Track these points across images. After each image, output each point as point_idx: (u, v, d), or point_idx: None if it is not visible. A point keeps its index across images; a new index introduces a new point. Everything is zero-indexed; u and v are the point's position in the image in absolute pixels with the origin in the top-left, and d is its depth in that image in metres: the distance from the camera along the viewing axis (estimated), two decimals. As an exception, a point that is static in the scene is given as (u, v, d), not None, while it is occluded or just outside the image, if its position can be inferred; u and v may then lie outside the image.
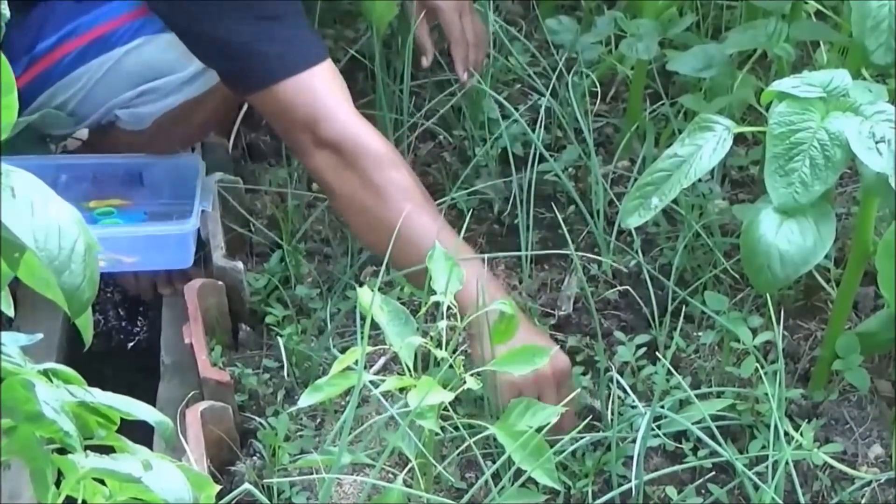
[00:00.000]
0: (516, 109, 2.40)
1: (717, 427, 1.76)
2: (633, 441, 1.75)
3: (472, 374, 1.64)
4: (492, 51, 2.58)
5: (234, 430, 1.93)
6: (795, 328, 2.13)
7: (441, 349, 1.64)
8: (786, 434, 1.73)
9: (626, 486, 1.73)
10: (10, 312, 1.21)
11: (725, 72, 2.22)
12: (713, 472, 1.85)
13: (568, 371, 1.89)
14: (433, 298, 1.67)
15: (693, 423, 1.78)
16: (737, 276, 2.16)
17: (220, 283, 2.14)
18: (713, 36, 2.62)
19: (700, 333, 2.10)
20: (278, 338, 2.09)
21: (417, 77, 2.48)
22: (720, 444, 1.74)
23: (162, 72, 2.18)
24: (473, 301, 1.73)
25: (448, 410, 1.69)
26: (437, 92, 2.54)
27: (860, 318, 2.10)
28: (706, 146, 1.71)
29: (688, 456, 1.86)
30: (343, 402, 1.99)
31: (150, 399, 2.03)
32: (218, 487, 1.27)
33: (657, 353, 1.99)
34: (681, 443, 1.89)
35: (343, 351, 1.64)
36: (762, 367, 1.86)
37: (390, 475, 1.82)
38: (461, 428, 1.72)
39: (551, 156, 2.39)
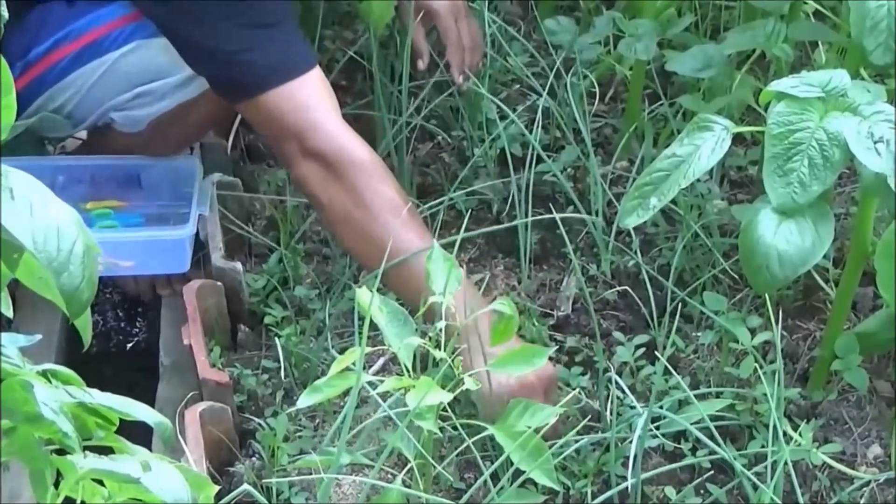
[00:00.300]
0: (515, 110, 2.40)
1: (716, 427, 1.76)
2: (633, 441, 1.74)
3: (470, 375, 1.64)
4: (490, 51, 2.58)
5: (233, 431, 1.93)
6: (794, 328, 2.13)
7: (440, 350, 1.64)
8: (785, 434, 1.73)
9: (623, 485, 1.73)
10: (9, 313, 1.21)
11: (724, 72, 2.22)
12: (712, 472, 1.84)
13: (554, 379, 1.89)
14: (431, 299, 1.67)
15: (692, 424, 1.78)
16: (735, 276, 2.16)
17: (219, 283, 2.14)
18: (712, 36, 2.62)
19: (699, 334, 2.10)
20: (277, 338, 2.09)
21: (416, 78, 2.48)
22: (719, 445, 1.74)
23: (156, 75, 2.18)
24: (461, 314, 1.72)
25: (447, 411, 1.69)
26: (435, 93, 2.54)
27: (859, 318, 2.10)
28: (705, 146, 1.71)
29: (687, 456, 1.86)
30: (342, 403, 1.99)
31: (150, 400, 2.03)
32: (217, 488, 1.27)
33: (656, 353, 1.99)
34: (680, 443, 1.89)
35: (342, 352, 1.64)
36: (761, 367, 1.86)
37: (389, 476, 1.82)
38: (460, 428, 1.72)
39: (550, 156, 2.39)
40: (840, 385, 1.99)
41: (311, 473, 1.76)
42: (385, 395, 1.68)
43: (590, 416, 1.89)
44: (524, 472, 1.63)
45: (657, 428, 1.85)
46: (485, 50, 2.53)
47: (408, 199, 2.00)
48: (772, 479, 1.67)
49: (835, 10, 2.22)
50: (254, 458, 1.92)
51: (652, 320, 2.09)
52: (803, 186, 1.63)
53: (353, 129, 2.03)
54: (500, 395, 1.80)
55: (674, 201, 1.82)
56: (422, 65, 2.43)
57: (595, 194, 2.28)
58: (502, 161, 2.46)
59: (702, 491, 1.85)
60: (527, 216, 2.21)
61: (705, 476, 1.84)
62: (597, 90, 2.63)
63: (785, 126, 1.64)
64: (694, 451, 1.87)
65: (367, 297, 1.65)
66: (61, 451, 1.13)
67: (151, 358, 2.23)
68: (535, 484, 1.69)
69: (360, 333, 1.58)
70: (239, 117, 2.55)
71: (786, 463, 1.68)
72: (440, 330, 1.64)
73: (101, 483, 1.16)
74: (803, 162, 1.63)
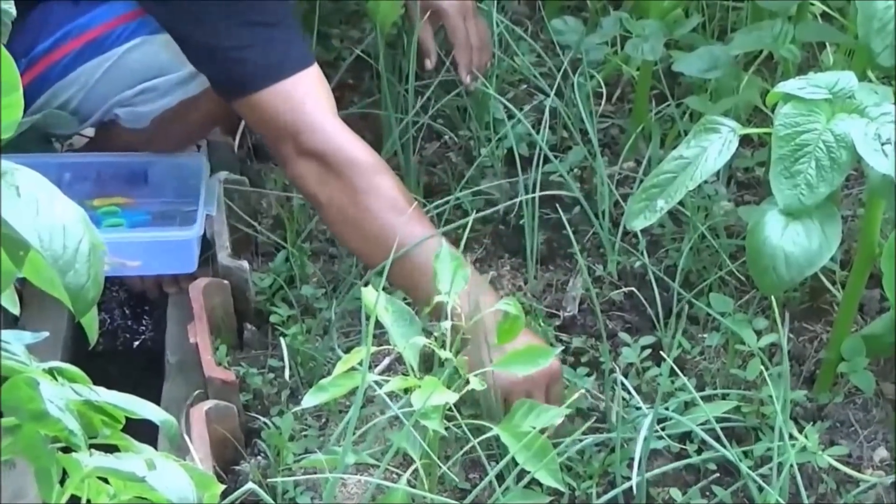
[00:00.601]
0: (521, 110, 2.40)
1: (722, 429, 1.76)
2: (638, 442, 1.74)
3: (475, 375, 1.64)
4: (497, 51, 2.58)
5: (238, 430, 1.93)
6: (801, 330, 2.13)
7: (445, 350, 1.64)
8: (790, 436, 1.73)
9: (628, 485, 1.72)
10: (16, 311, 1.21)
11: (731, 73, 2.22)
12: (717, 474, 1.84)
13: (558, 374, 1.88)
14: (437, 298, 1.67)
15: (698, 425, 1.78)
16: (742, 277, 2.16)
17: (226, 282, 2.14)
18: (719, 37, 2.62)
19: (705, 335, 2.10)
20: (283, 337, 2.09)
21: (423, 77, 2.48)
22: (725, 446, 1.74)
23: (160, 71, 2.18)
24: (467, 311, 1.71)
25: (452, 411, 1.69)
26: (442, 92, 2.54)
27: (866, 320, 2.10)
28: (712, 148, 1.71)
29: (692, 457, 1.86)
30: (347, 403, 1.99)
31: (155, 398, 2.03)
32: (222, 487, 1.26)
33: (662, 354, 1.98)
34: (685, 444, 1.89)
35: (348, 351, 1.64)
36: (767, 369, 1.86)
37: (394, 475, 1.82)
38: (465, 428, 1.72)
39: (556, 156, 2.39)
40: (846, 387, 1.99)
41: (316, 473, 1.76)
42: (391, 395, 1.68)
43: (595, 417, 1.89)
44: (529, 472, 1.63)
45: (663, 429, 1.85)
46: (493, 50, 2.53)
47: (409, 196, 1.99)
48: (777, 481, 1.67)
49: (842, 11, 2.22)
50: (259, 457, 1.92)
51: (658, 321, 2.09)
52: (810, 188, 1.63)
53: (359, 128, 2.03)
54: (501, 387, 1.79)
55: (681, 202, 1.82)
56: (429, 64, 2.42)
57: (602, 195, 2.28)
58: (509, 161, 2.46)
59: (707, 493, 1.84)
60: (533, 216, 2.21)
61: (711, 478, 1.84)
62: (604, 90, 2.63)
63: (792, 127, 1.64)
64: (699, 452, 1.87)
65: (373, 297, 1.65)
66: (67, 449, 1.13)
67: (157, 356, 2.24)
68: (541, 484, 1.69)
69: (366, 333, 1.58)
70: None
71: (791, 465, 1.68)
72: (446, 329, 1.64)
73: (106, 481, 1.16)
74: (810, 164, 1.62)
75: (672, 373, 1.85)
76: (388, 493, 1.66)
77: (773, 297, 1.78)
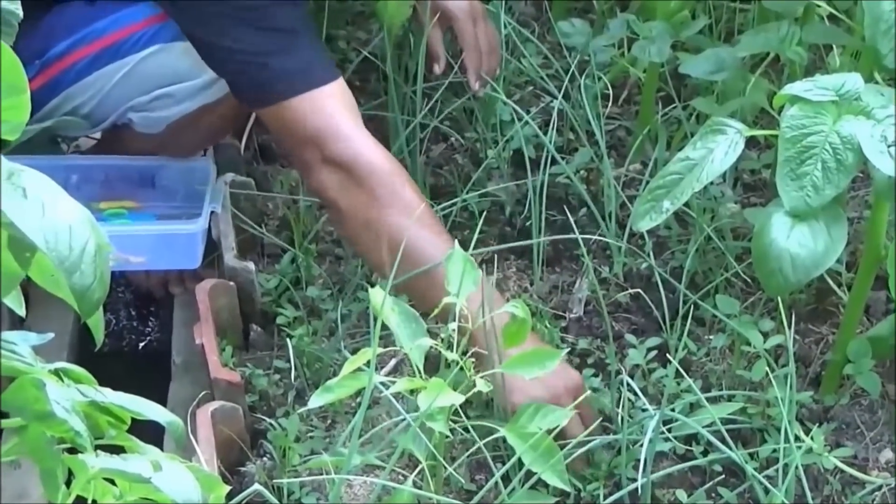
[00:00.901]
0: (528, 112, 2.40)
1: (728, 430, 1.76)
2: (644, 444, 1.74)
3: (482, 377, 1.64)
4: (504, 53, 2.58)
5: (244, 431, 1.93)
6: (807, 332, 2.13)
7: (451, 351, 1.64)
8: (796, 438, 1.73)
9: (633, 486, 1.72)
10: (22, 312, 1.21)
11: (738, 75, 2.22)
12: (723, 476, 1.84)
13: (581, 387, 1.88)
14: (445, 300, 1.67)
15: (703, 427, 1.78)
16: (748, 279, 2.16)
17: (232, 283, 2.14)
18: (726, 39, 2.62)
19: (711, 337, 2.10)
20: (289, 339, 2.09)
21: (430, 79, 2.48)
22: (730, 448, 1.74)
23: (177, 78, 2.18)
24: (476, 315, 1.71)
25: (458, 413, 1.69)
26: (449, 93, 2.54)
27: (872, 322, 2.10)
28: (718, 149, 1.71)
29: (698, 459, 1.86)
30: (353, 404, 2.00)
31: (161, 399, 2.04)
32: (228, 488, 1.27)
33: (668, 356, 1.98)
34: (691, 446, 1.89)
35: (354, 352, 1.64)
36: (773, 370, 1.86)
37: (400, 476, 1.82)
38: (471, 430, 1.72)
39: (563, 158, 2.39)
40: (852, 389, 1.98)
41: (322, 474, 1.76)
42: (397, 396, 1.68)
43: (601, 419, 1.88)
44: (535, 473, 1.63)
45: (669, 431, 1.85)
46: (502, 54, 2.52)
47: (431, 208, 2.00)
48: (783, 482, 1.67)
49: (849, 13, 2.22)
50: (265, 459, 1.92)
51: (664, 323, 2.09)
52: (816, 190, 1.63)
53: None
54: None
55: (687, 204, 1.82)
56: (438, 69, 2.41)
57: (608, 196, 2.28)
58: (515, 163, 2.47)
59: (713, 494, 1.84)
60: (540, 218, 2.21)
61: (716, 479, 1.84)
62: (610, 92, 2.63)
63: (798, 129, 1.64)
64: (705, 454, 1.87)
65: (379, 298, 1.65)
66: (73, 450, 1.13)
67: (163, 357, 2.24)
68: (547, 486, 1.69)
69: (373, 334, 1.58)
70: (253, 118, 2.55)
71: (797, 467, 1.68)
72: (452, 331, 1.64)
73: (112, 482, 1.17)
74: (816, 165, 1.62)
75: (678, 374, 1.85)
76: (394, 495, 1.66)
77: (779, 299, 1.79)
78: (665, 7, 2.39)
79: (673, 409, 1.85)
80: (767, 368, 1.88)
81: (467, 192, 2.32)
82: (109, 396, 1.17)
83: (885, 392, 1.99)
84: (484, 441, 1.70)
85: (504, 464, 1.72)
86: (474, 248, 1.77)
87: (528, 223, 2.30)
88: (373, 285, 2.12)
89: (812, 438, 1.82)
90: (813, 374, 2.04)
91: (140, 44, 2.16)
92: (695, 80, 2.48)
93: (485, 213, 2.37)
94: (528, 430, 1.67)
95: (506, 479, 1.71)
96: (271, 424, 1.96)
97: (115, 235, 2.09)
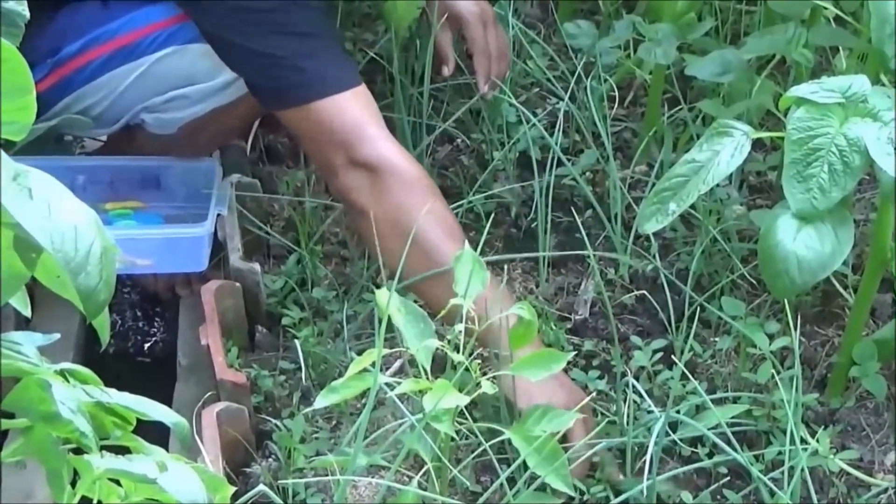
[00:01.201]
0: (534, 113, 2.40)
1: (733, 433, 1.76)
2: (649, 446, 1.74)
3: (488, 378, 1.64)
4: (511, 56, 2.57)
5: (249, 432, 1.93)
6: (812, 334, 2.13)
7: (458, 353, 1.64)
8: (802, 440, 1.72)
9: (638, 488, 1.72)
10: (27, 312, 1.22)
11: (744, 77, 2.22)
12: (728, 478, 1.84)
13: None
14: (452, 301, 1.67)
15: (709, 429, 1.78)
16: (754, 281, 2.16)
17: (237, 284, 2.14)
18: (732, 41, 2.61)
19: (717, 339, 2.10)
20: (295, 340, 2.10)
21: (436, 80, 2.48)
22: (736, 450, 1.74)
23: (191, 80, 2.18)
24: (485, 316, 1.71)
25: (464, 414, 1.69)
26: (455, 95, 2.54)
27: (878, 324, 2.10)
28: (724, 151, 1.71)
29: (703, 461, 1.86)
30: (359, 405, 2.00)
31: (167, 400, 2.04)
32: (233, 489, 1.27)
33: (673, 357, 1.98)
34: (696, 448, 1.89)
35: (359, 353, 1.64)
36: (779, 372, 1.86)
37: (405, 478, 1.82)
38: (476, 431, 1.72)
39: (569, 160, 2.39)
40: (858, 391, 1.98)
41: (327, 474, 1.76)
42: (402, 397, 1.68)
43: (606, 421, 1.88)
44: (540, 475, 1.63)
45: (674, 432, 1.85)
46: (511, 58, 2.51)
47: (454, 215, 2.00)
48: (788, 485, 1.67)
49: (855, 15, 2.22)
50: (270, 459, 1.92)
51: (670, 325, 2.08)
52: (823, 192, 1.62)
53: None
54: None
55: (693, 206, 1.82)
56: (447, 71, 2.40)
57: (614, 198, 2.28)
58: (521, 164, 2.46)
59: (718, 496, 1.84)
60: (546, 220, 2.21)
61: (722, 482, 1.84)
62: (616, 94, 2.63)
63: (805, 132, 1.63)
64: (711, 456, 1.87)
65: (385, 299, 1.65)
66: (78, 451, 1.13)
67: (169, 358, 2.24)
68: (552, 488, 1.69)
69: (378, 335, 1.58)
70: (259, 119, 2.55)
71: (803, 469, 1.68)
72: (458, 332, 1.64)
73: (117, 483, 1.17)
74: (823, 168, 1.62)
75: (683, 376, 1.85)
76: (399, 496, 1.66)
77: (785, 301, 1.78)
78: (671, 9, 2.39)
79: (678, 411, 1.85)
80: (773, 370, 1.88)
81: (473, 194, 2.32)
82: (115, 397, 1.18)
83: (891, 394, 1.98)
84: (489, 443, 1.70)
85: (509, 466, 1.72)
86: (481, 251, 1.77)
87: (533, 224, 2.30)
88: (378, 286, 2.12)
89: (818, 441, 1.82)
90: (819, 377, 2.04)
91: (155, 45, 2.15)
92: (701, 82, 2.48)
93: (491, 214, 2.37)
94: (533, 432, 1.67)
95: (511, 480, 1.71)
96: (277, 425, 1.96)
97: (121, 238, 2.11)
